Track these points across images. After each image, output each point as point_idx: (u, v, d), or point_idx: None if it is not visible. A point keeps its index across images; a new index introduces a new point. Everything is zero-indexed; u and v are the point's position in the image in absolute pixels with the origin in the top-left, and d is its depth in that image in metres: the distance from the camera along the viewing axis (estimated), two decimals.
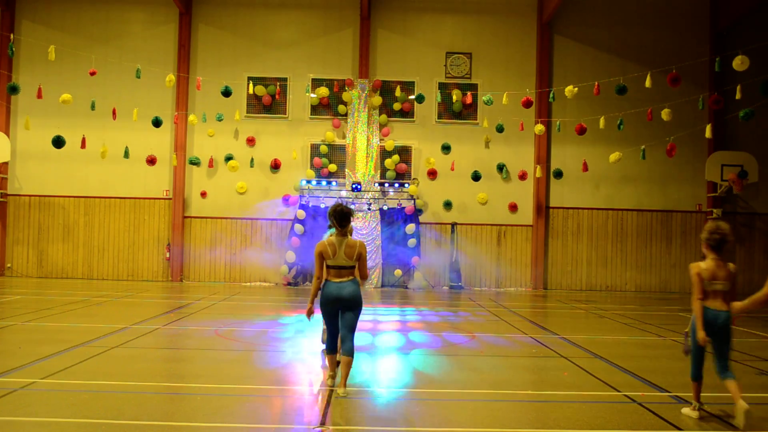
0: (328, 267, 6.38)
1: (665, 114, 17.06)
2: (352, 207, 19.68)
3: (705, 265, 5.85)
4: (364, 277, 6.46)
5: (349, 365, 6.43)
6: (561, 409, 6.19)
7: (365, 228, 20.11)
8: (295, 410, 6.04)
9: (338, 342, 6.61)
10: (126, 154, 19.33)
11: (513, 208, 21.03)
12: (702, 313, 5.74)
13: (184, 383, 7.02)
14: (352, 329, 6.44)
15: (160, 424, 5.37)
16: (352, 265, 6.37)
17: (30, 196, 20.94)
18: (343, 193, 20.31)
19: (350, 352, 6.41)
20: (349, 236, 6.62)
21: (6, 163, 20.55)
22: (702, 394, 6.08)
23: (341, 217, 6.38)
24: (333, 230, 6.79)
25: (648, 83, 16.23)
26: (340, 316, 6.44)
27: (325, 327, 6.86)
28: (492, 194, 20.99)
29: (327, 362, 6.78)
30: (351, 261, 6.35)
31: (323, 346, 7.94)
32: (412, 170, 20.99)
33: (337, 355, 6.68)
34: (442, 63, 21.31)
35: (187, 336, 10.34)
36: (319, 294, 6.49)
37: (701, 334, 5.73)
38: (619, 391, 6.86)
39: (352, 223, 7.32)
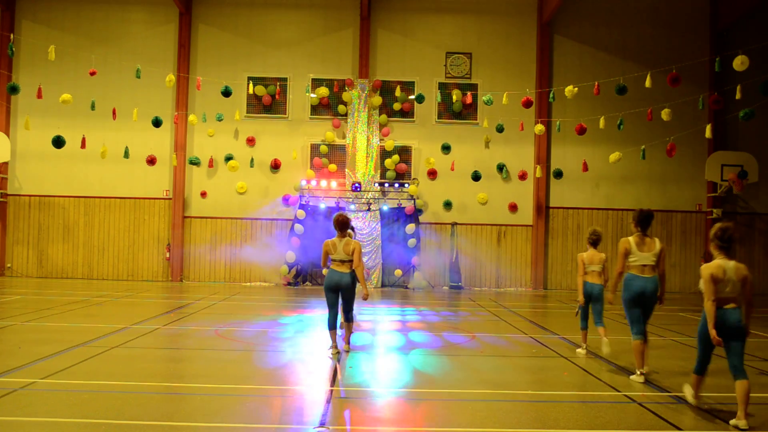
0: (332, 260, 8.36)
1: (665, 114, 17.06)
2: (353, 206, 19.93)
3: (586, 255, 8.91)
4: (358, 264, 8.37)
5: (350, 328, 8.73)
6: (561, 409, 6.19)
7: (365, 228, 20.10)
8: (295, 410, 6.04)
9: (337, 321, 8.61)
10: (126, 154, 19.33)
11: (513, 208, 21.03)
12: (582, 286, 8.82)
13: (184, 383, 7.01)
14: (350, 305, 8.62)
15: (160, 424, 5.36)
16: (349, 259, 8.36)
17: (30, 196, 20.94)
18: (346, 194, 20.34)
19: (350, 320, 8.69)
20: (349, 237, 8.53)
21: (6, 163, 20.56)
22: (702, 394, 6.22)
23: (341, 225, 8.42)
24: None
25: (648, 83, 16.23)
26: (340, 297, 8.47)
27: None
28: (492, 194, 20.99)
29: (330, 336, 8.61)
30: (348, 255, 8.37)
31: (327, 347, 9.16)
32: (412, 170, 20.99)
33: (337, 330, 8.68)
34: (442, 63, 21.31)
35: (187, 336, 10.34)
36: (326, 280, 8.47)
37: (581, 298, 8.84)
38: (619, 391, 6.86)
39: (353, 224, 9.29)
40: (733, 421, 5.68)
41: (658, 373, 7.82)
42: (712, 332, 5.70)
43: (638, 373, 7.43)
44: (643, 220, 7.51)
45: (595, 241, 8.97)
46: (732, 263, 5.87)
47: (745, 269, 5.90)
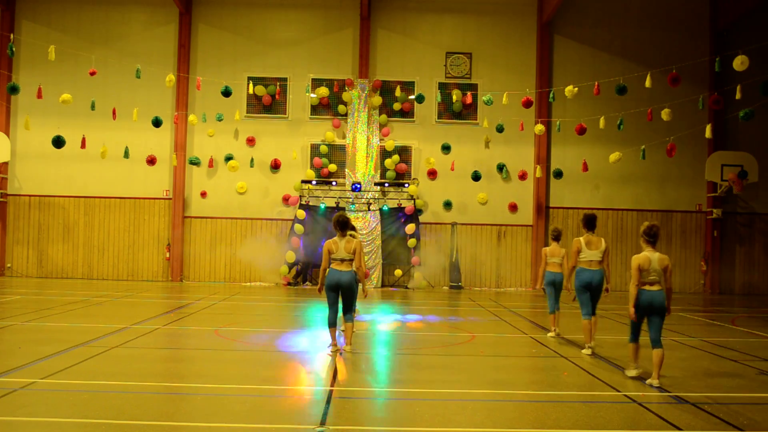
0: (332, 259, 8.44)
1: (665, 114, 17.05)
2: (353, 206, 19.95)
3: (549, 249, 10.43)
4: (360, 266, 8.50)
5: (351, 329, 8.77)
6: (561, 409, 6.19)
7: (365, 228, 20.10)
8: (295, 410, 6.04)
9: (337, 319, 8.70)
10: (126, 154, 19.33)
11: (513, 208, 21.03)
12: (544, 274, 10.42)
13: (184, 383, 7.02)
14: (350, 305, 8.65)
15: (160, 424, 5.36)
16: (350, 258, 8.44)
17: (30, 196, 20.94)
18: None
19: (351, 320, 8.73)
20: (349, 236, 8.61)
21: (6, 163, 20.56)
22: (702, 394, 6.20)
23: (341, 225, 8.53)
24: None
25: (648, 83, 16.22)
26: (341, 296, 8.54)
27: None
28: (492, 194, 21.00)
29: (329, 334, 8.74)
30: (349, 254, 8.43)
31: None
32: (412, 170, 20.99)
33: (337, 329, 8.79)
34: (442, 63, 21.31)
35: (187, 336, 10.34)
36: (326, 280, 8.54)
37: (539, 285, 10.56)
38: (619, 391, 6.86)
39: (353, 224, 9.33)
40: (649, 381, 7.07)
41: (602, 347, 7.88)
42: (631, 310, 7.14)
43: (586, 347, 9.05)
44: (589, 223, 9.10)
45: (556, 237, 10.68)
46: (657, 255, 7.15)
47: (667, 260, 7.16)
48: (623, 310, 15.28)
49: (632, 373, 7.42)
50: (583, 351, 8.98)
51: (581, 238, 8.96)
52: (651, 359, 7.19)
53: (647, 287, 7.13)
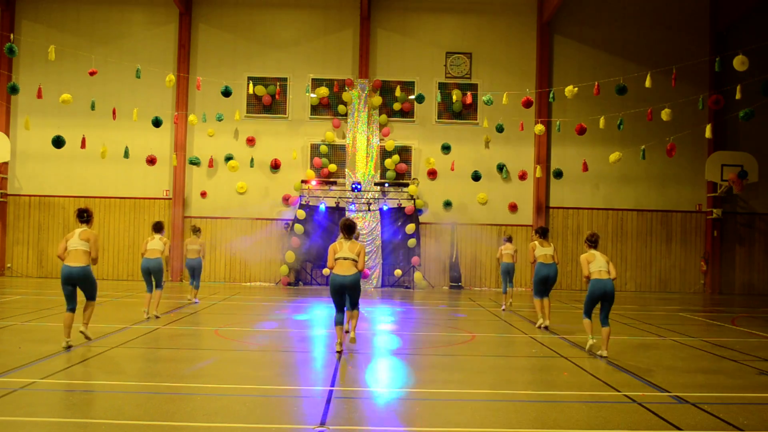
0: (336, 259, 8.63)
1: (665, 114, 17.04)
2: (353, 206, 19.95)
3: (503, 247, 14.53)
4: (362, 267, 8.73)
5: (356, 317, 9.07)
6: (561, 408, 6.19)
7: (365, 228, 20.09)
8: (295, 410, 6.04)
9: (343, 319, 8.89)
10: (126, 154, 19.34)
11: (513, 208, 21.04)
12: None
13: (184, 383, 7.01)
14: (355, 302, 8.98)
15: (160, 424, 5.36)
16: (355, 258, 8.65)
17: (30, 196, 20.95)
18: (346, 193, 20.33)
19: (356, 307, 8.97)
20: (353, 239, 8.92)
21: (6, 163, 20.56)
22: (702, 394, 6.22)
23: (348, 229, 8.85)
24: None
25: (648, 83, 16.22)
26: (347, 297, 8.78)
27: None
28: (492, 194, 21.00)
29: (336, 332, 8.86)
30: (353, 255, 8.66)
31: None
32: (412, 170, 20.99)
33: (345, 326, 9.02)
34: (442, 63, 21.31)
35: (187, 336, 10.34)
36: (330, 284, 8.77)
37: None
38: (619, 391, 6.86)
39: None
40: (599, 352, 8.72)
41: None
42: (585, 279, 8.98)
43: (540, 323, 11.40)
44: (543, 233, 11.87)
45: (508, 239, 14.90)
46: (598, 252, 8.94)
47: (606, 257, 8.81)
48: (621, 310, 15.37)
49: (591, 342, 9.08)
50: (537, 324, 11.05)
51: (536, 242, 11.54)
52: (602, 335, 8.80)
53: (597, 275, 8.68)
